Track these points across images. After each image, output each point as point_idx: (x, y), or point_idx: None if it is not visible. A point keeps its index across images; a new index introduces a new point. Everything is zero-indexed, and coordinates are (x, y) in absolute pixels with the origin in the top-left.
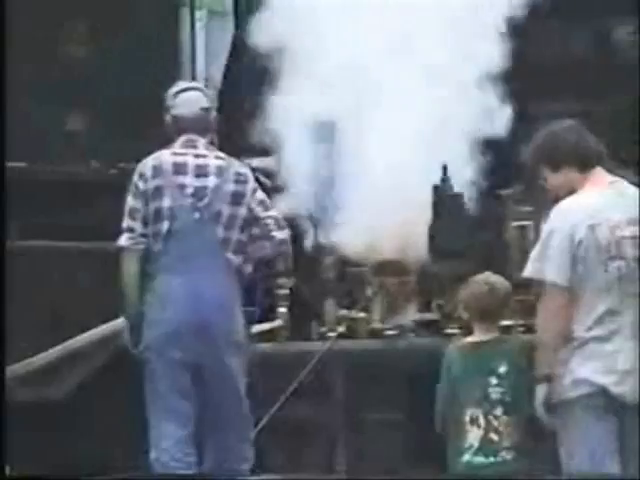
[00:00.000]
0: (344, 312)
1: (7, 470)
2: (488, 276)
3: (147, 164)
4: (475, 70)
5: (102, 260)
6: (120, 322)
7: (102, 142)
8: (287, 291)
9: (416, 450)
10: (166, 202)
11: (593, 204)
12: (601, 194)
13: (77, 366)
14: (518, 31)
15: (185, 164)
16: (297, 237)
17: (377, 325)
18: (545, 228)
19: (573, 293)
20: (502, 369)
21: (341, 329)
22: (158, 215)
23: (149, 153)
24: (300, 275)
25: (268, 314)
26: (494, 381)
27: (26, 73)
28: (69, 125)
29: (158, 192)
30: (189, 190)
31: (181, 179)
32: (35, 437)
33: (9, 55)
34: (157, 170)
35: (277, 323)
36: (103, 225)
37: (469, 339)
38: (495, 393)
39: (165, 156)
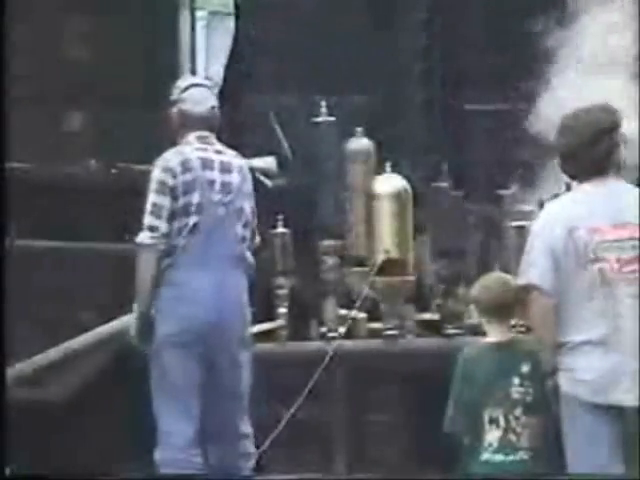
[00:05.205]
0: (344, 312)
1: (7, 470)
2: (499, 274)
3: (172, 160)
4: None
5: (102, 260)
6: (120, 322)
7: (102, 142)
8: (287, 291)
9: (417, 450)
10: (195, 198)
11: (575, 208)
12: (590, 196)
13: (77, 366)
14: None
15: (211, 160)
16: (297, 237)
17: (377, 325)
18: (530, 233)
19: (559, 296)
20: (525, 369)
21: (341, 329)
22: (186, 210)
23: (149, 153)
24: (300, 275)
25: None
26: (517, 381)
27: (26, 73)
28: (69, 125)
29: (188, 187)
30: (217, 186)
31: (209, 174)
32: (35, 437)
33: (9, 55)
34: (186, 165)
35: (277, 323)
36: (103, 225)
37: (488, 340)
38: (517, 393)
39: (191, 151)
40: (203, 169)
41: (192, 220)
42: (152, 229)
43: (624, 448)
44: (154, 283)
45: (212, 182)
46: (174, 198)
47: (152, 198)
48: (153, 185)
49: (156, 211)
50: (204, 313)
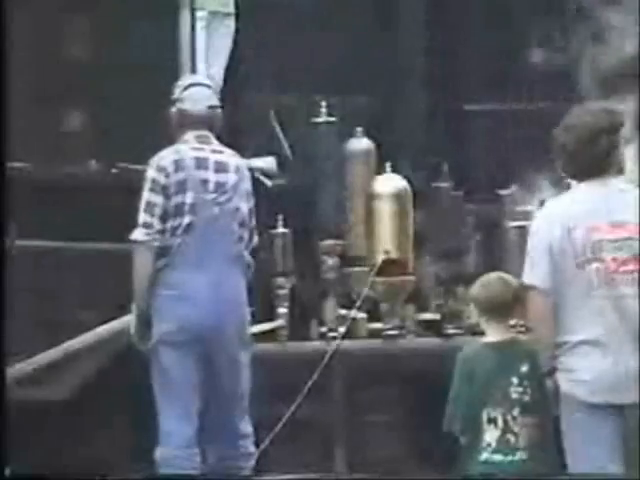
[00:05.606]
0: (344, 312)
1: (7, 471)
2: (499, 273)
3: (167, 158)
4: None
5: (102, 260)
6: (120, 322)
7: (102, 142)
8: (287, 291)
9: (417, 450)
10: (189, 197)
11: (573, 207)
12: (588, 195)
13: (77, 366)
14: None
15: (206, 159)
16: (297, 237)
17: (377, 325)
18: (529, 233)
19: (557, 296)
20: (524, 369)
21: (341, 329)
22: (179, 210)
23: (149, 153)
24: (300, 275)
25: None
26: (515, 381)
27: (26, 73)
28: (69, 125)
29: (181, 187)
30: (211, 186)
31: (203, 174)
32: (35, 437)
33: (9, 55)
34: (179, 165)
35: (277, 323)
36: (103, 225)
37: (487, 339)
38: (515, 393)
39: (185, 151)
40: (197, 168)
41: (186, 220)
42: (146, 226)
43: (623, 448)
44: (150, 280)
45: (205, 181)
46: (167, 197)
47: (145, 196)
48: (147, 183)
49: (149, 209)
50: (201, 313)
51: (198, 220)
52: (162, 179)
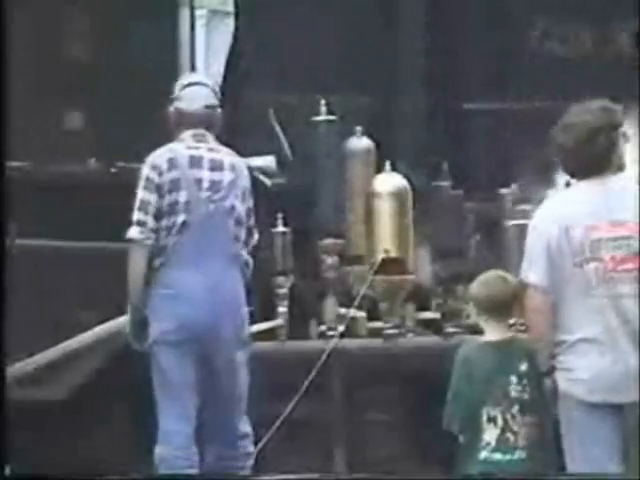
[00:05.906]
0: (344, 311)
1: (7, 470)
2: (498, 272)
3: (161, 157)
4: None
5: (102, 260)
6: (119, 322)
7: (101, 141)
8: (287, 290)
9: (416, 449)
10: (183, 196)
11: (572, 206)
12: (587, 194)
13: (77, 366)
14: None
15: (201, 158)
16: (297, 236)
17: (377, 324)
18: (528, 231)
19: (555, 294)
20: (523, 368)
21: (341, 328)
22: (173, 208)
23: (149, 152)
24: (300, 274)
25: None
26: (514, 380)
27: (26, 72)
28: (69, 124)
29: (174, 185)
30: (205, 184)
31: (197, 173)
32: (35, 437)
33: (9, 55)
34: (173, 163)
35: (277, 322)
36: (103, 224)
37: (486, 338)
38: (515, 392)
39: (180, 149)
40: (191, 167)
41: (180, 218)
42: (140, 224)
43: (622, 447)
44: (146, 279)
45: (199, 180)
46: (160, 196)
47: (140, 194)
48: (141, 182)
49: (143, 207)
50: (198, 312)
51: (193, 218)
52: (156, 177)
